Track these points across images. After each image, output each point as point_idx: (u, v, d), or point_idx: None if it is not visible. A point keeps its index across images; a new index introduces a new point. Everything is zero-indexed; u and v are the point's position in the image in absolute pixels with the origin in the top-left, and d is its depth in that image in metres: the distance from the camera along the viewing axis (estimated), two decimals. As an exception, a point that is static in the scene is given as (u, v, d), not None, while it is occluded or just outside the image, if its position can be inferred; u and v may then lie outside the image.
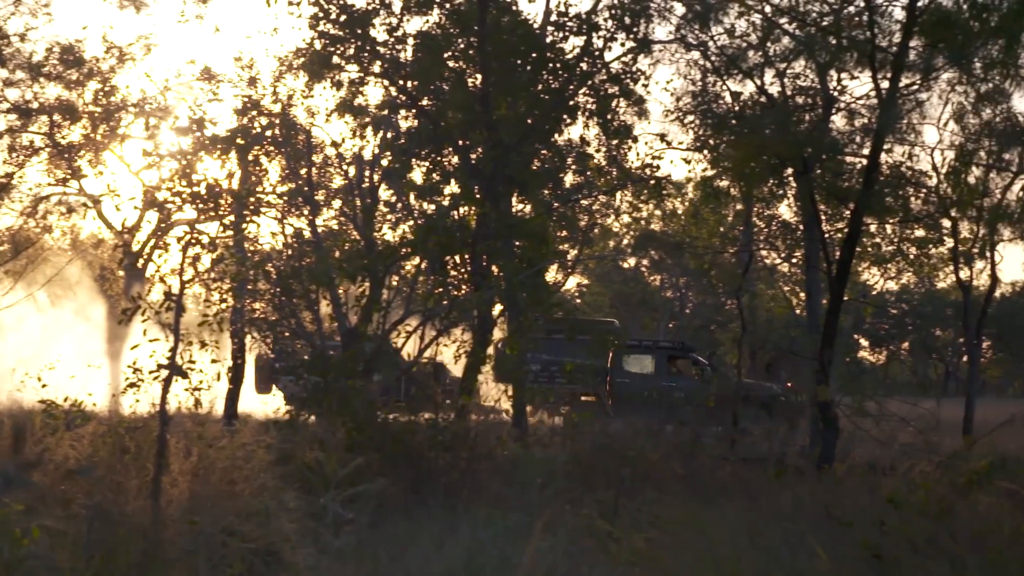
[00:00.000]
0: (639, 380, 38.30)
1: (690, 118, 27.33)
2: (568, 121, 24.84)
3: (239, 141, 21.24)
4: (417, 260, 21.43)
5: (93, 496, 12.22)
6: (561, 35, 24.01)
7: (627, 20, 23.93)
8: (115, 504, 12.23)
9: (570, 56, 24.07)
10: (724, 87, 26.81)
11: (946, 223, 33.02)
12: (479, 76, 23.15)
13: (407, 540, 11.99)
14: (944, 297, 70.50)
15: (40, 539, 10.26)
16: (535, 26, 24.24)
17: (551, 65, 23.87)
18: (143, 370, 14.37)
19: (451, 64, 23.77)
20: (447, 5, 23.43)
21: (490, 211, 21.65)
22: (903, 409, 23.19)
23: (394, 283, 22.11)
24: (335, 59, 23.31)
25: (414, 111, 24.15)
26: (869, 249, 39.59)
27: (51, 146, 36.58)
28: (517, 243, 22.16)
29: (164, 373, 13.84)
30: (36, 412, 16.49)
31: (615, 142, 26.01)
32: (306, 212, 22.29)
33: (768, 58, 25.60)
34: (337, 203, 23.79)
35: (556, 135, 25.29)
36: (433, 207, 23.00)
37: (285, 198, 22.52)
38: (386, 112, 24.19)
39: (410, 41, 23.74)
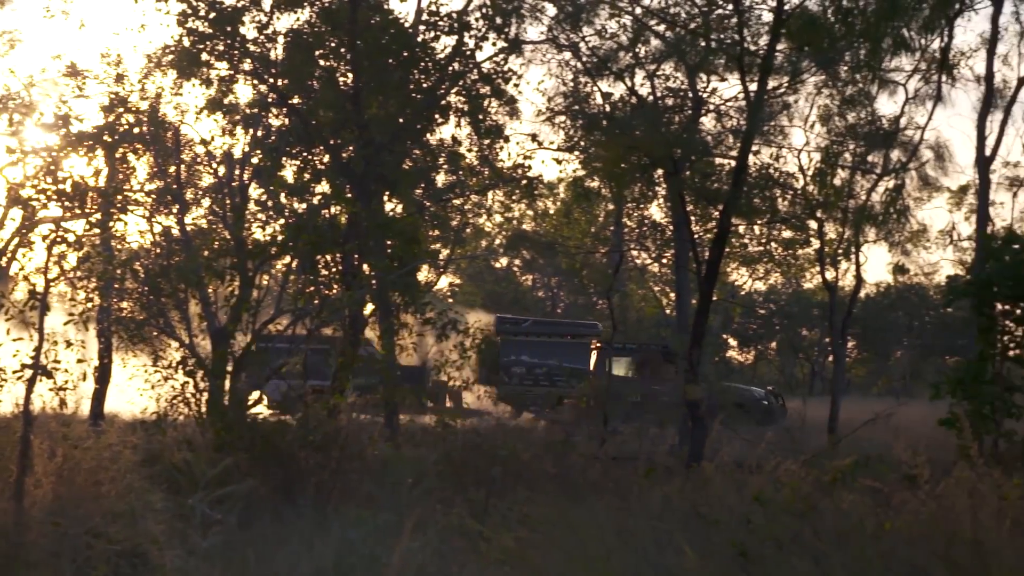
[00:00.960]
0: (621, 383, 38.33)
1: (561, 118, 27.50)
2: (440, 120, 24.84)
3: (106, 138, 20.93)
4: (288, 259, 21.27)
5: (-47, 499, 12.00)
6: (433, 34, 24.01)
7: (498, 20, 23.98)
8: (-24, 506, 12.02)
9: (442, 56, 24.06)
10: (595, 88, 26.99)
11: (812, 224, 33.51)
12: (350, 75, 23.06)
13: (276, 540, 11.91)
14: (810, 297, 71.48)
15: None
16: (406, 25, 24.20)
17: (423, 64, 23.86)
18: (6, 370, 14.12)
19: (322, 63, 23.66)
20: (317, 3, 23.31)
21: (361, 210, 21.56)
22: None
23: (264, 282, 21.92)
24: (204, 56, 23.09)
25: (285, 109, 24.00)
26: (737, 249, 40.10)
27: (-90, 142, 35.79)
28: (389, 242, 22.08)
29: (28, 373, 13.61)
30: None
31: (487, 142, 26.06)
32: (175, 210, 22.01)
33: (638, 59, 25.82)
34: (207, 201, 23.53)
35: (428, 134, 25.28)
36: (304, 206, 22.85)
37: (153, 196, 22.24)
38: (256, 110, 24.00)
39: (280, 39, 23.59)
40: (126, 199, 20.01)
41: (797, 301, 74.68)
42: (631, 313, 55.52)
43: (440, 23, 23.89)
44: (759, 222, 34.24)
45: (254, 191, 23.15)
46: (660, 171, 26.19)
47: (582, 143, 27.92)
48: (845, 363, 51.90)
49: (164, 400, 17.99)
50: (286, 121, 24.31)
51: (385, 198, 24.11)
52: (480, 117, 25.17)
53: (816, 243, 35.49)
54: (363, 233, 21.29)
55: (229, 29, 22.77)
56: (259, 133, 23.64)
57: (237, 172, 22.48)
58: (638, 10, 25.53)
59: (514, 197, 29.81)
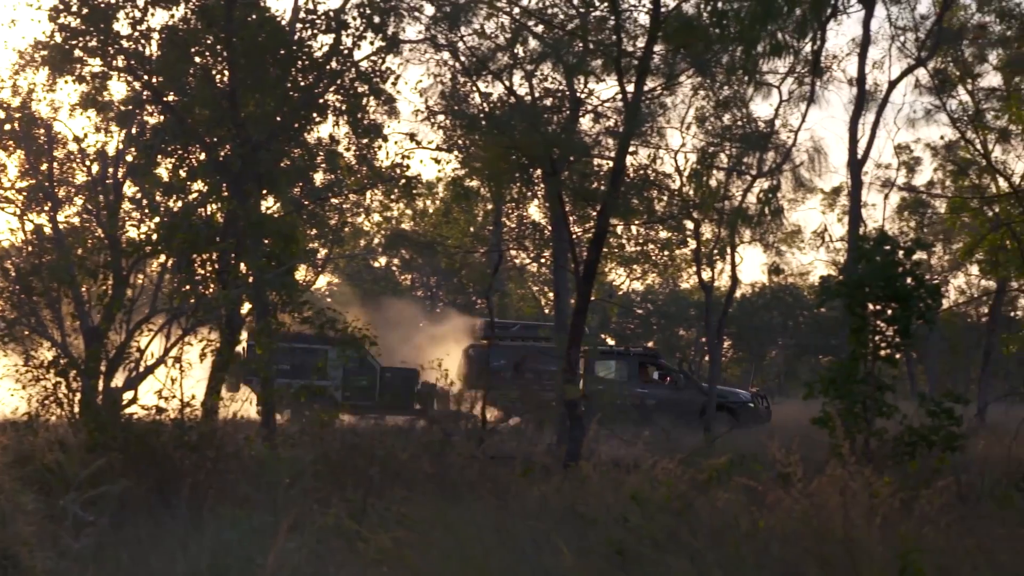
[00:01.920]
0: (609, 386, 38.34)
1: (440, 118, 27.49)
2: (318, 119, 24.68)
3: (-24, 135, 20.64)
4: (163, 258, 21.06)
5: None
6: (310, 32, 23.83)
7: (376, 19, 23.87)
8: None
9: (319, 54, 23.91)
10: (474, 88, 27.00)
11: (689, 225, 33.86)
12: (227, 72, 22.84)
13: (150, 542, 11.77)
14: (687, 297, 72.23)
15: None
16: (283, 23, 24.01)
17: (300, 63, 23.69)
18: None
19: (198, 60, 23.41)
20: (193, 0, 23.06)
21: (238, 209, 21.40)
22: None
23: (139, 281, 21.67)
24: (77, 53, 22.74)
25: (160, 107, 23.72)
26: (616, 250, 40.40)
27: None
28: (266, 241, 21.93)
29: None
30: None
31: (365, 141, 25.94)
32: (47, 208, 21.71)
33: (517, 60, 25.87)
34: (80, 199, 23.21)
35: (305, 133, 25.10)
36: (180, 204, 22.61)
37: (25, 193, 21.93)
38: (131, 107, 23.71)
39: (155, 36, 23.29)
40: (-3, 196, 19.74)
41: (674, 301, 75.44)
42: (510, 312, 55.65)
43: (317, 21, 23.74)
44: (637, 223, 34.52)
45: (128, 189, 22.85)
46: (539, 171, 26.28)
47: (461, 143, 27.94)
48: (721, 362, 52.48)
49: (35, 400, 17.73)
50: (161, 118, 24.01)
51: (263, 197, 23.92)
52: (358, 116, 25.05)
53: (692, 243, 35.89)
54: (240, 232, 21.14)
55: (103, 25, 22.43)
56: (134, 130, 23.34)
57: (111, 170, 22.21)
58: (516, 10, 25.60)
59: (393, 196, 29.68)
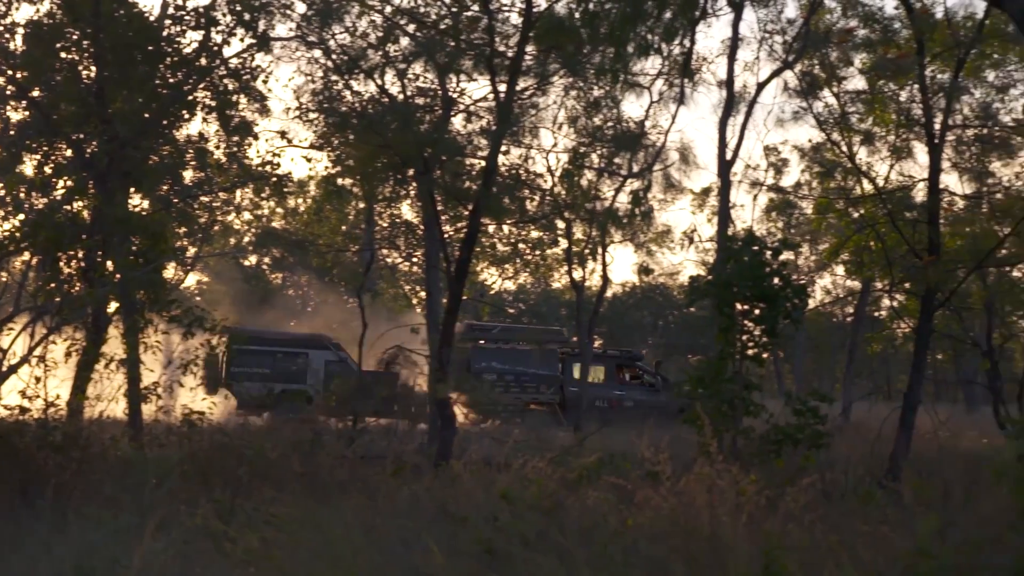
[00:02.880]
0: (589, 388, 38.31)
1: (312, 116, 27.31)
2: (187, 116, 24.43)
3: None
4: (27, 255, 20.73)
5: None
6: (179, 29, 23.58)
7: (246, 16, 23.68)
8: None
9: (188, 50, 23.68)
10: (346, 86, 26.87)
11: (560, 224, 34.03)
12: (94, 68, 22.53)
13: (13, 544, 11.60)
14: (559, 297, 72.57)
15: None
16: (152, 19, 23.74)
17: (169, 59, 23.44)
18: None
19: (64, 55, 23.06)
20: (59, -7, 22.74)
21: (104, 206, 21.11)
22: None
23: (3, 279, 21.32)
24: (-62, 47, 22.34)
25: (24, 102, 23.35)
26: (488, 249, 40.47)
27: None
28: (134, 239, 21.67)
29: None
30: None
31: (235, 139, 25.71)
32: (-93, 205, 21.30)
33: (389, 58, 25.78)
34: (-59, 196, 22.80)
35: (175, 130, 24.82)
36: (45, 201, 22.27)
37: None
38: (-5, 103, 23.34)
39: (20, 30, 22.94)
40: None
41: (546, 300, 75.73)
42: (382, 311, 55.48)
43: (186, 17, 23.51)
44: (508, 222, 34.63)
45: (-8, 185, 22.49)
46: (411, 170, 26.25)
47: (333, 141, 27.80)
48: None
49: None
50: (26, 114, 23.65)
51: (130, 194, 23.61)
52: (228, 113, 24.84)
53: (564, 243, 36.09)
54: (106, 230, 20.87)
55: (-35, 19, 22.08)
56: (-2, 126, 23.00)
57: (-26, 166, 21.83)
58: (388, 9, 25.51)
59: (263, 195, 29.44)
